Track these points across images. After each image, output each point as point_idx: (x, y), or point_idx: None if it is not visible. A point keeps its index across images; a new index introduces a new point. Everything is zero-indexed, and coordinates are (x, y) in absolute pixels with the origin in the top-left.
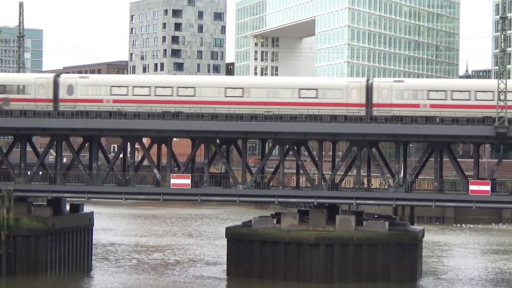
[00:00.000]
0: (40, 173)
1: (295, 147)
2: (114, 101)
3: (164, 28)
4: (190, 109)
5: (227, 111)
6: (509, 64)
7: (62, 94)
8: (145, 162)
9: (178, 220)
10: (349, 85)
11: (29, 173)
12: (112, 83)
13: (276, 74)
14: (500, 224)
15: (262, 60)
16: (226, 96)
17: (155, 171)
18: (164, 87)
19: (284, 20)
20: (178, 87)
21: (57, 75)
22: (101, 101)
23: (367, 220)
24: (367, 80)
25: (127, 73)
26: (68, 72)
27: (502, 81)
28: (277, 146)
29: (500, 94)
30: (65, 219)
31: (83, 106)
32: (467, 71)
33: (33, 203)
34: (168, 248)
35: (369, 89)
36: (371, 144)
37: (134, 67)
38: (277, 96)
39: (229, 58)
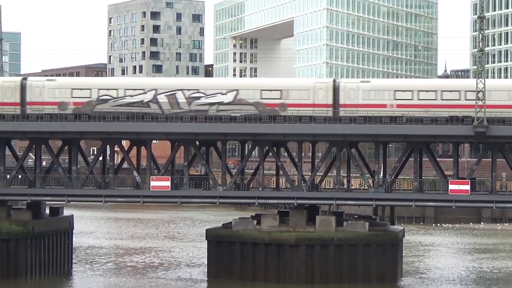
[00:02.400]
0: (20, 176)
1: (274, 148)
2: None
3: (143, 30)
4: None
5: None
6: (487, 63)
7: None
8: (125, 165)
9: (159, 223)
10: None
11: (8, 176)
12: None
13: (255, 76)
14: (481, 223)
15: (241, 61)
16: None
17: (135, 173)
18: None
19: (263, 21)
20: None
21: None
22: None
23: (347, 221)
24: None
25: (106, 76)
26: (47, 75)
27: (480, 81)
28: (256, 147)
29: (478, 93)
30: (45, 223)
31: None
32: (445, 70)
33: (13, 207)
34: (149, 251)
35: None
36: (351, 145)
37: (112, 69)
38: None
39: (208, 60)
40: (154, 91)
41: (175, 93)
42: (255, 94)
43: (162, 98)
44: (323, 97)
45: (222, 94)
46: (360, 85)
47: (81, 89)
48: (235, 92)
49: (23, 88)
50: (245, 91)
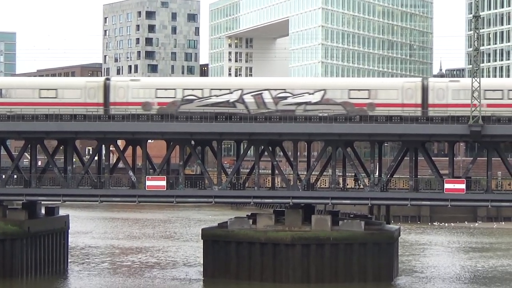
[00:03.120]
0: (15, 176)
1: (270, 147)
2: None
3: (138, 30)
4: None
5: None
6: (483, 62)
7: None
8: (120, 165)
9: (154, 223)
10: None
11: (3, 176)
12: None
13: (251, 75)
14: (477, 222)
15: (236, 61)
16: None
17: (130, 173)
18: None
19: (258, 21)
20: None
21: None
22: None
23: (343, 220)
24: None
25: (101, 75)
26: (42, 75)
27: (476, 80)
28: (252, 146)
29: (474, 92)
30: (40, 223)
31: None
32: (441, 70)
33: (8, 207)
34: (144, 251)
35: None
36: (346, 144)
37: (108, 69)
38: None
39: (203, 59)
40: (240, 91)
41: (262, 93)
42: (343, 94)
43: (248, 98)
44: (411, 96)
45: (310, 94)
46: (450, 85)
47: (165, 89)
48: (322, 92)
49: (106, 88)
50: (332, 91)
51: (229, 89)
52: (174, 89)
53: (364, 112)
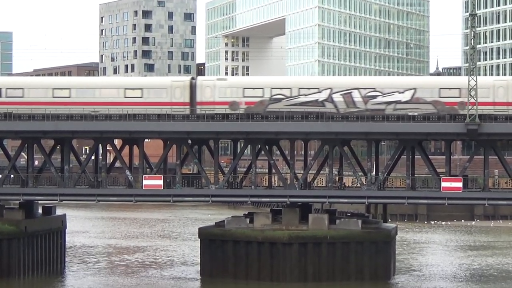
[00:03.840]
0: (12, 176)
1: (267, 146)
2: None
3: (134, 29)
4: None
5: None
6: (479, 61)
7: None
8: (117, 164)
9: (151, 222)
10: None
11: (0, 176)
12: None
13: (247, 74)
14: (474, 220)
15: (232, 60)
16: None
17: (127, 172)
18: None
19: (254, 19)
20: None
21: (193, 78)
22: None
23: (340, 219)
24: (191, 79)
25: (98, 75)
26: (39, 75)
27: (472, 78)
28: (249, 145)
29: (471, 90)
30: (37, 222)
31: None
32: (437, 68)
33: (5, 206)
34: (142, 250)
35: (192, 88)
36: (343, 143)
37: (104, 68)
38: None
39: (200, 58)
40: (329, 90)
41: (351, 92)
42: (433, 93)
43: (337, 97)
44: (503, 95)
45: (400, 93)
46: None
47: (253, 88)
48: (412, 90)
49: (192, 87)
50: (423, 90)
51: (317, 88)
52: (262, 88)
53: (455, 111)
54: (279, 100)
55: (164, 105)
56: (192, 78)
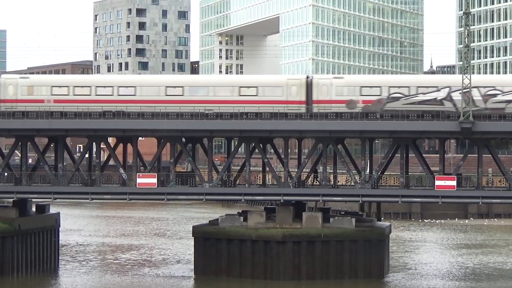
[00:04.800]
0: (6, 174)
1: (261, 144)
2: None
3: (128, 27)
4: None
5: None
6: (473, 59)
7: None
8: (111, 162)
9: (145, 220)
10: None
11: None
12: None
13: (241, 72)
14: (468, 219)
15: (226, 58)
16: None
17: (121, 170)
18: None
19: (248, 18)
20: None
21: (308, 77)
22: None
23: (334, 217)
24: (307, 77)
25: (92, 73)
26: (33, 73)
27: (466, 77)
28: (243, 144)
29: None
30: (31, 220)
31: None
32: (431, 67)
33: None
34: (136, 248)
35: (308, 86)
36: (337, 141)
37: (98, 66)
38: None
39: (194, 56)
40: (448, 89)
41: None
42: None
43: (456, 96)
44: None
45: None
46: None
47: (371, 86)
48: None
49: (309, 86)
50: None
51: (436, 87)
52: (380, 86)
53: None
54: (397, 98)
55: (279, 104)
56: (307, 76)
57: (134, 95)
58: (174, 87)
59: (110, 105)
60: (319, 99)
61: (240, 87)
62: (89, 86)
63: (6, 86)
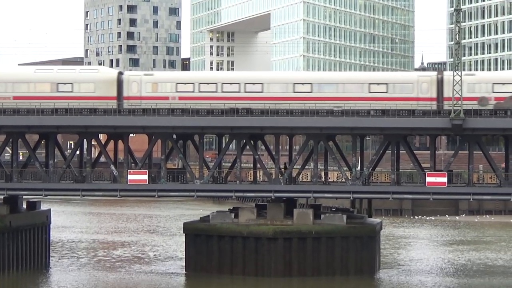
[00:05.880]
0: None
1: (252, 141)
2: None
3: (119, 24)
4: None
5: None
6: (464, 56)
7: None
8: (102, 159)
9: (136, 217)
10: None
11: None
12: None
13: (232, 69)
14: (459, 215)
15: (218, 55)
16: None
17: (112, 167)
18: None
19: (239, 14)
20: None
21: (440, 73)
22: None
23: (325, 214)
24: (437, 73)
25: None
26: None
27: (457, 73)
28: (234, 140)
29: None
30: (22, 217)
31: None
32: (422, 63)
33: None
34: (127, 245)
35: (439, 83)
36: (328, 138)
37: (89, 63)
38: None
39: (185, 53)
40: None
41: None
42: None
43: None
44: None
45: None
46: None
47: (503, 83)
48: None
49: (439, 82)
50: None
51: None
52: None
53: None
54: None
55: (410, 101)
56: (438, 73)
57: (261, 91)
58: (303, 83)
59: (236, 102)
60: (450, 96)
61: (370, 83)
62: (215, 83)
63: (130, 83)
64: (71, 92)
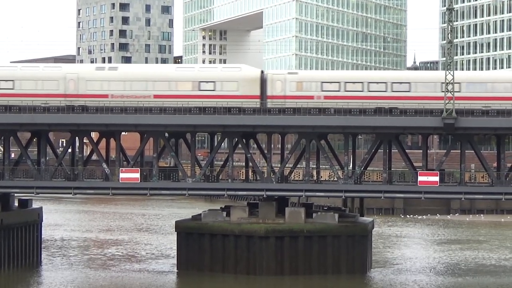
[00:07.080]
0: None
1: (244, 140)
2: None
3: (112, 22)
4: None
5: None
6: (456, 55)
7: None
8: (94, 157)
9: (128, 216)
10: None
11: None
12: None
13: None
14: (451, 214)
15: (210, 53)
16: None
17: (104, 165)
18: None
19: (232, 13)
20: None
21: None
22: None
23: (317, 212)
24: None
25: None
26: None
27: (449, 73)
28: (226, 139)
29: (447, 85)
30: (13, 215)
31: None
32: (414, 62)
33: None
34: (119, 243)
35: None
36: (320, 136)
37: (81, 61)
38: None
39: (177, 51)
40: None
41: None
42: None
43: None
44: None
45: None
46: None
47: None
48: None
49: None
50: None
51: None
52: None
53: None
54: None
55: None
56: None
57: (408, 91)
58: (353, 82)
59: (383, 101)
60: None
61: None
62: (362, 82)
63: (273, 82)
64: (213, 90)
